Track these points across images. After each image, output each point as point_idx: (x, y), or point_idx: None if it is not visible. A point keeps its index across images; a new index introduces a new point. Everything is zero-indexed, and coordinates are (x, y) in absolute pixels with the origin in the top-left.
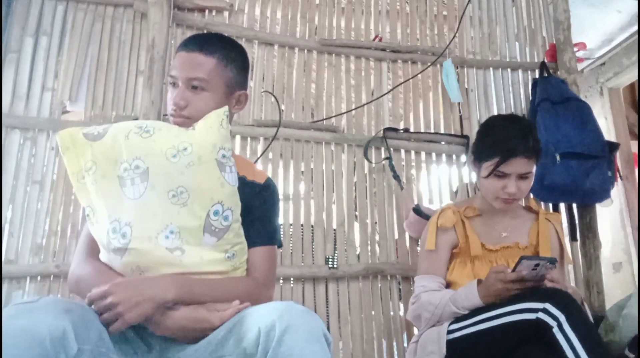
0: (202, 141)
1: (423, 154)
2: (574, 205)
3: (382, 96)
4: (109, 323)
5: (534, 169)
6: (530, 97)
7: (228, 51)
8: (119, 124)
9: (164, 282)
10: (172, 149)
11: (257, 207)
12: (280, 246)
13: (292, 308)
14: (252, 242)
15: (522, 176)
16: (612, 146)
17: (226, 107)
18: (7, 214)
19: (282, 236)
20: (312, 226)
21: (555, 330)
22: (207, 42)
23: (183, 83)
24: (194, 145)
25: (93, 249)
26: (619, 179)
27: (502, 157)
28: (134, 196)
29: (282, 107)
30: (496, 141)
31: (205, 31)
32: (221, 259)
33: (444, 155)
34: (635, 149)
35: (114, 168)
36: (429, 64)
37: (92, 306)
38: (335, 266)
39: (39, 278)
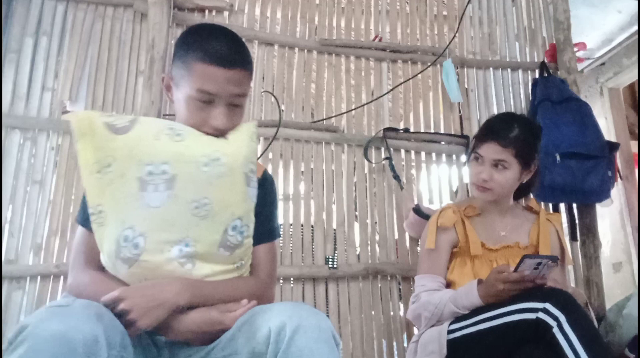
0: (235, 153)
1: (423, 154)
2: (574, 205)
3: (382, 96)
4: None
5: (513, 162)
6: (530, 97)
7: (250, 56)
8: (146, 119)
9: (175, 287)
10: (205, 158)
11: (257, 204)
12: (279, 237)
13: (302, 309)
14: (254, 240)
15: (497, 165)
16: (612, 146)
17: (256, 122)
18: (7, 214)
19: (281, 233)
20: (312, 226)
21: (555, 330)
22: (240, 54)
23: (224, 101)
24: (228, 156)
25: (90, 258)
26: (619, 179)
27: (478, 139)
28: (155, 204)
29: (282, 107)
30: (481, 128)
31: None
32: (231, 269)
33: (444, 155)
34: (635, 149)
35: (136, 169)
36: (429, 64)
37: None
38: (335, 266)
39: (39, 278)
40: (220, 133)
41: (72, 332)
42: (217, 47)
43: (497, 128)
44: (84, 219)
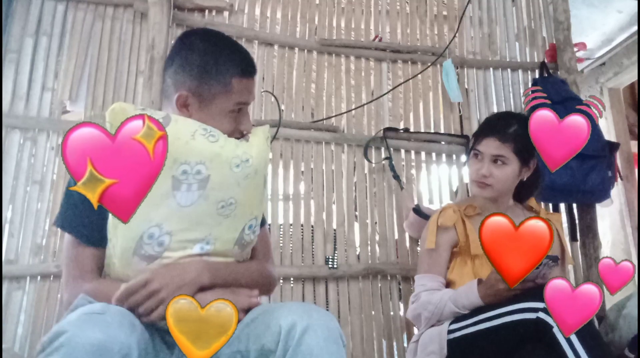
0: (259, 155)
1: (423, 154)
2: (574, 205)
3: (382, 96)
4: (147, 314)
5: (512, 157)
6: None
7: None
8: (179, 117)
9: (197, 267)
10: (237, 159)
11: None
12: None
13: (312, 309)
14: None
15: (496, 160)
16: (612, 146)
17: (268, 126)
18: (7, 214)
19: (281, 233)
20: (312, 226)
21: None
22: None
23: (247, 106)
24: (254, 157)
25: (86, 268)
26: (619, 179)
27: (477, 136)
28: (185, 203)
29: (282, 107)
30: (480, 125)
31: None
32: (238, 262)
33: (444, 155)
34: (635, 149)
35: (170, 167)
36: (429, 64)
37: (125, 304)
38: (335, 266)
39: (39, 278)
40: (243, 136)
41: (110, 341)
42: (244, 60)
43: (495, 124)
44: (68, 224)
